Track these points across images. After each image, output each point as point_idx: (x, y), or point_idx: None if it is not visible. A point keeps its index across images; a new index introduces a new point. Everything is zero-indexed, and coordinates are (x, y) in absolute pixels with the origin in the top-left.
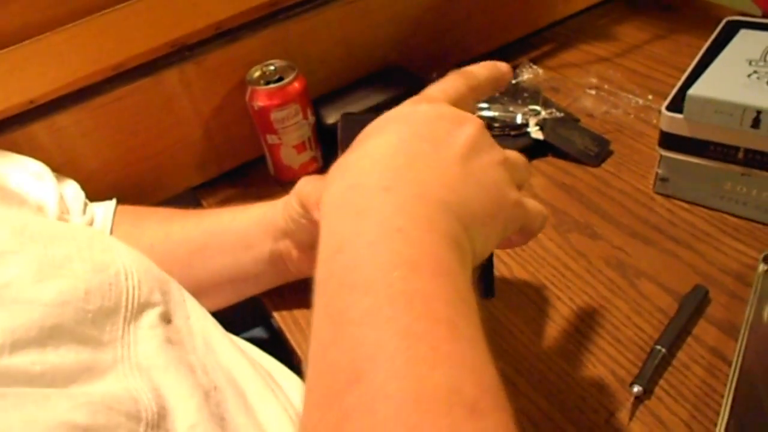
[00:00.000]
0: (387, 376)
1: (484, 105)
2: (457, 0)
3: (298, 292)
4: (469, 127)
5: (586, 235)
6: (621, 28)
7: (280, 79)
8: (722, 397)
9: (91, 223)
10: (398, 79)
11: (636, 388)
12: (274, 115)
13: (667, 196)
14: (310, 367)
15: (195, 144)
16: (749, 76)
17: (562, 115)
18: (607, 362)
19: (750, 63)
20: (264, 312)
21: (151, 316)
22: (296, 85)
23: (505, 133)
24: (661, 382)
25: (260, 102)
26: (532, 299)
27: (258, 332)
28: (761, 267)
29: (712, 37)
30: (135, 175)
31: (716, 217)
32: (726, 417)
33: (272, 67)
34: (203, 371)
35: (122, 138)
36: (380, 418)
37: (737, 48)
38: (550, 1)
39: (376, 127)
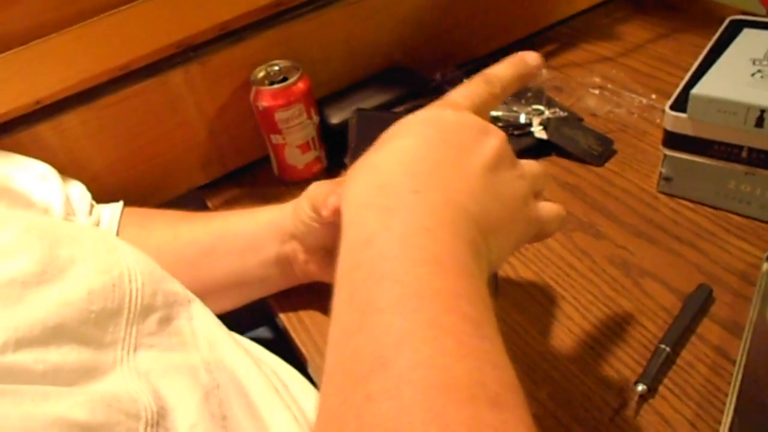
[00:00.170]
0: (413, 364)
1: None
2: (461, 0)
3: (303, 293)
4: (493, 139)
5: (590, 235)
6: (624, 28)
7: (285, 79)
8: (726, 395)
9: (97, 225)
10: (402, 78)
11: (640, 387)
12: (279, 115)
13: (671, 196)
14: (331, 354)
15: (200, 144)
16: (753, 75)
17: (565, 114)
18: (612, 361)
19: (754, 62)
20: (269, 311)
21: (152, 322)
22: (300, 85)
23: (509, 132)
24: (666, 380)
25: (265, 102)
26: (537, 298)
27: (263, 332)
28: (765, 266)
29: (716, 36)
30: (140, 175)
31: (720, 216)
32: (730, 415)
33: (276, 68)
34: (206, 370)
35: (128, 138)
36: (405, 403)
37: (741, 47)
38: (553, 0)
39: (401, 129)
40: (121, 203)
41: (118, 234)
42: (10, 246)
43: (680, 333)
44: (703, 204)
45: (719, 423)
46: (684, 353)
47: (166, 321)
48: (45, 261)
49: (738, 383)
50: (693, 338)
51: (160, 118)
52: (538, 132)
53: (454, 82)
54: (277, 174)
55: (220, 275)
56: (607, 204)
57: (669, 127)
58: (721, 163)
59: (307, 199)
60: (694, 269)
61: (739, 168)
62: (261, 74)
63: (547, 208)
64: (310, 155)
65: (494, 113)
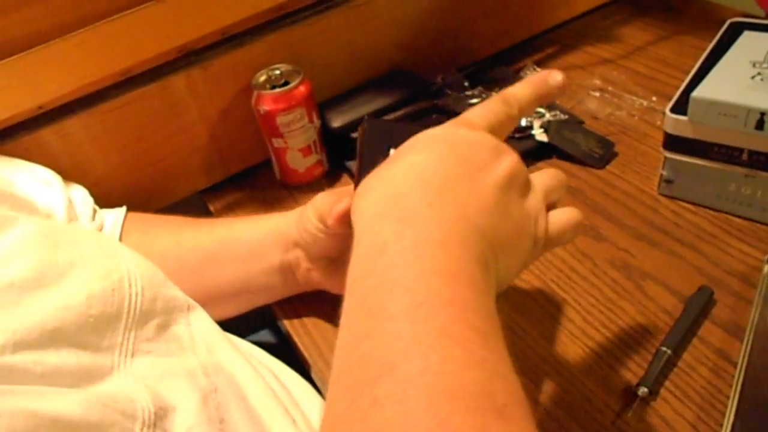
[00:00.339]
0: (421, 369)
1: None
2: (461, 3)
3: (306, 298)
4: (507, 159)
5: (592, 237)
6: (625, 30)
7: (286, 83)
8: (728, 398)
9: (100, 230)
10: (403, 82)
11: (642, 390)
12: (280, 119)
13: (672, 198)
14: (339, 358)
15: (202, 148)
16: (753, 77)
17: (566, 117)
18: (613, 364)
19: (754, 65)
20: (271, 315)
21: (150, 329)
22: (302, 89)
23: (510, 135)
24: (667, 383)
25: (266, 106)
26: (538, 301)
27: (265, 335)
28: (766, 268)
29: (716, 38)
30: (143, 180)
31: (721, 218)
32: (732, 418)
33: (278, 72)
34: (204, 374)
35: (130, 143)
36: (411, 408)
37: (741, 50)
38: (553, 3)
39: (417, 145)
40: (124, 208)
41: (121, 239)
42: (9, 251)
43: (681, 335)
44: (703, 206)
45: (721, 425)
46: (685, 356)
47: (164, 327)
48: (44, 266)
49: (739, 385)
50: (694, 340)
51: (162, 123)
52: (539, 135)
53: (455, 85)
54: (279, 177)
55: (223, 282)
56: (608, 206)
57: (669, 130)
58: (721, 166)
59: (314, 210)
60: (695, 271)
61: (740, 170)
62: (262, 78)
63: (561, 219)
64: (312, 159)
65: None
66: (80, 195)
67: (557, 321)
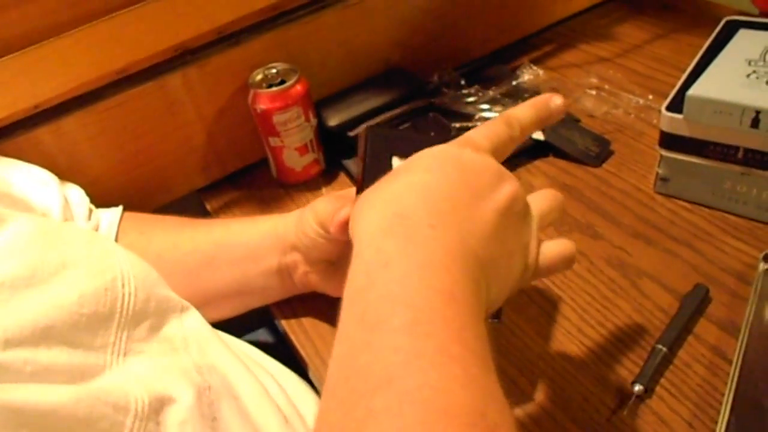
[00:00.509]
0: (419, 384)
1: (486, 106)
2: (457, 2)
3: (303, 298)
4: (508, 186)
5: (588, 235)
6: (621, 28)
7: (282, 82)
8: (723, 395)
9: (96, 229)
10: (400, 81)
11: (637, 387)
12: (277, 118)
13: (668, 196)
14: (336, 368)
15: (198, 147)
16: (748, 76)
17: (562, 115)
18: (609, 361)
19: (749, 63)
20: (269, 314)
21: (143, 329)
22: (298, 87)
23: None
24: (663, 380)
25: (263, 105)
26: (534, 299)
27: (262, 334)
28: (762, 266)
29: (712, 37)
30: (139, 179)
31: (717, 216)
32: (727, 415)
33: (274, 70)
34: (197, 372)
35: (126, 142)
36: (406, 422)
37: (736, 48)
38: (549, 1)
39: (422, 162)
40: (120, 208)
41: (117, 239)
42: (1, 250)
43: (677, 333)
44: (699, 204)
45: (716, 422)
46: (681, 353)
47: (157, 328)
48: (35, 265)
49: (735, 383)
50: (690, 338)
51: (159, 122)
52: (536, 133)
53: (452, 84)
54: (276, 176)
55: (220, 284)
56: (604, 205)
57: (665, 128)
58: (717, 164)
59: (314, 215)
60: (691, 269)
61: (735, 168)
62: (259, 77)
63: (552, 251)
64: (309, 158)
65: (491, 115)
66: (76, 194)
67: (553, 319)
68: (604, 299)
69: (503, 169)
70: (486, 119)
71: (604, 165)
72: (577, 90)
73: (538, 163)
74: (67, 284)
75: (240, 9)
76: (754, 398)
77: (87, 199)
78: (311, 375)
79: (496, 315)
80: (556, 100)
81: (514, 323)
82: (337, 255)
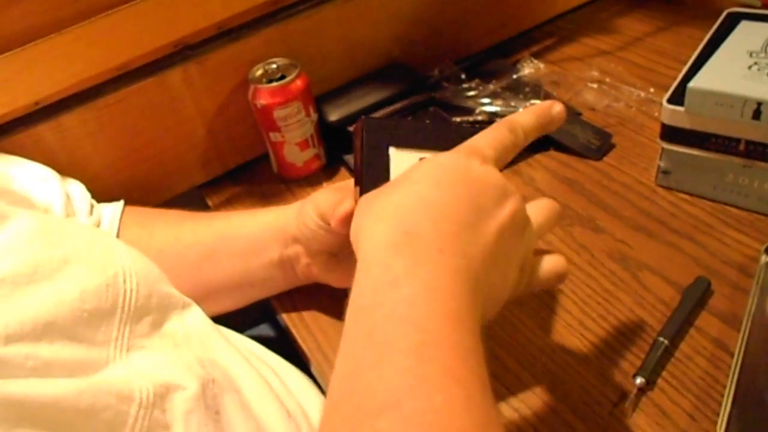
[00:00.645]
0: (425, 408)
1: (486, 100)
2: None
3: (304, 292)
4: (511, 203)
5: (589, 229)
6: (622, 21)
7: (283, 77)
8: (725, 387)
9: (98, 225)
10: (400, 75)
11: (639, 380)
12: (277, 113)
13: (670, 189)
14: (340, 384)
15: (199, 143)
16: (750, 67)
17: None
18: (610, 354)
19: (750, 54)
20: (270, 309)
21: (145, 325)
22: (298, 82)
23: None
24: (664, 373)
25: (263, 100)
26: (536, 293)
27: (264, 329)
28: (763, 258)
29: (713, 29)
30: (140, 175)
31: (718, 208)
32: (728, 407)
33: (274, 66)
34: (200, 365)
35: (127, 138)
36: None
37: (738, 40)
38: None
39: (429, 173)
40: (121, 202)
41: (119, 234)
42: (3, 246)
43: (678, 326)
44: (701, 197)
45: (717, 415)
46: (682, 346)
47: (158, 324)
48: (36, 261)
49: (736, 375)
50: (691, 331)
51: (159, 118)
52: None
53: (453, 78)
54: (277, 171)
55: (222, 277)
56: (606, 198)
57: (666, 121)
58: (718, 156)
59: (314, 207)
60: (693, 262)
61: (737, 161)
62: (259, 72)
63: (545, 268)
64: (309, 152)
65: (492, 109)
66: (78, 190)
67: (555, 312)
68: (606, 292)
69: (507, 184)
70: (486, 113)
71: (605, 158)
72: (578, 83)
73: (539, 156)
74: (69, 280)
75: (240, 4)
76: (756, 390)
77: (88, 195)
78: (313, 370)
79: None
80: (557, 107)
81: (516, 317)
82: (338, 246)
